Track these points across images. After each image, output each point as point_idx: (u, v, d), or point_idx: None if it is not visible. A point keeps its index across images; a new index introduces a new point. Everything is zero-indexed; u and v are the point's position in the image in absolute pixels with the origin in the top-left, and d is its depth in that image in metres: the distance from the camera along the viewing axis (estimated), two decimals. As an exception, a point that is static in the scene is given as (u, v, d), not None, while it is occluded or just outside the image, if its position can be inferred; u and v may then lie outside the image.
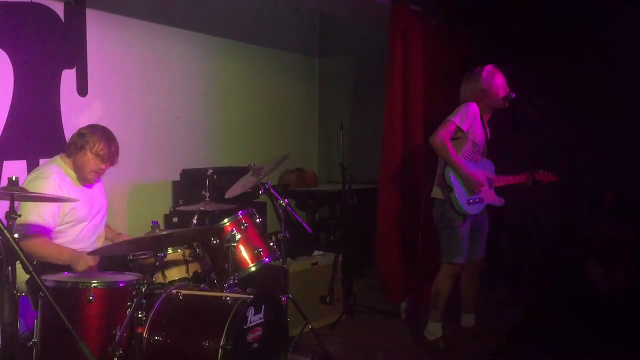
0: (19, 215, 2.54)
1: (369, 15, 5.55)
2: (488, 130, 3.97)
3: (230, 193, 3.76)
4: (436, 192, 3.90)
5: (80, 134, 3.25)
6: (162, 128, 5.18)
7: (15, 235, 2.34)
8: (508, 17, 5.33)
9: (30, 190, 2.78)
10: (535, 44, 5.32)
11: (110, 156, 3.22)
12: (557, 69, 5.23)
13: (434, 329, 3.95)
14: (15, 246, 1.51)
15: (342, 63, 6.95)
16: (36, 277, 1.56)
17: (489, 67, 3.93)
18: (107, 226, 3.55)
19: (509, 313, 4.60)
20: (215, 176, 4.04)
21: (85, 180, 3.26)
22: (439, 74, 5.22)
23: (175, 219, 4.84)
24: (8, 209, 2.46)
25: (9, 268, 1.66)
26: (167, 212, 4.98)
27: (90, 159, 3.19)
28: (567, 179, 4.51)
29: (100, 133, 3.24)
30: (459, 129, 3.76)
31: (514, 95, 3.90)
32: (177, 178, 5.12)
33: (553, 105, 4.44)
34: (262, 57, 6.19)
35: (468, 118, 3.77)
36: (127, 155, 3.58)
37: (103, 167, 3.23)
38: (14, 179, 2.59)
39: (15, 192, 2.49)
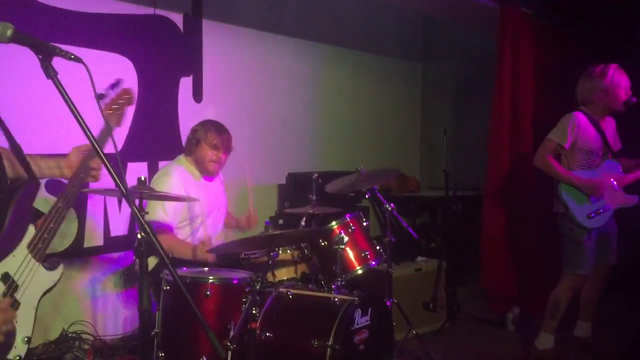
0: (147, 213, 2.73)
1: (476, 18, 5.46)
2: (607, 131, 3.78)
3: (331, 188, 3.82)
4: (557, 206, 3.79)
5: (193, 130, 3.51)
6: (269, 132, 5.36)
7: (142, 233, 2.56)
8: (623, 17, 5.07)
9: (156, 188, 2.98)
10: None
11: (224, 143, 3.43)
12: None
13: (545, 340, 3.81)
14: (155, 241, 1.63)
15: (446, 67, 6.88)
16: (172, 271, 1.68)
17: (614, 66, 3.73)
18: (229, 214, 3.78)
19: (626, 327, 4.35)
20: (320, 180, 4.13)
21: (207, 172, 3.48)
22: (550, 78, 5.04)
23: (280, 221, 4.98)
24: (137, 206, 2.65)
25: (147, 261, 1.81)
26: (273, 214, 5.14)
27: (207, 150, 3.41)
28: None
29: (209, 125, 3.48)
30: (560, 146, 3.66)
31: (635, 100, 3.69)
32: (283, 181, 5.27)
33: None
34: (365, 63, 6.25)
35: (569, 132, 3.66)
36: (236, 158, 3.75)
37: (220, 155, 3.43)
38: (142, 179, 2.79)
39: (144, 191, 2.68)
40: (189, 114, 4.62)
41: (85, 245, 3.99)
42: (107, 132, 2.24)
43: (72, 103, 1.63)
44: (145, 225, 1.67)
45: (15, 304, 2.04)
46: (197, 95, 4.72)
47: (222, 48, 4.86)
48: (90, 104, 1.79)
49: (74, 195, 2.17)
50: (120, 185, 1.66)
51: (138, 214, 1.67)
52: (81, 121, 1.64)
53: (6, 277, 2.02)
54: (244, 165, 3.61)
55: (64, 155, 2.42)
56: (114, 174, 1.64)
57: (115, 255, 4.18)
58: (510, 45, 4.81)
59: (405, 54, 6.84)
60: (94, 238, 4.05)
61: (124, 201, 4.24)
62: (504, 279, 4.86)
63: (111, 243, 4.11)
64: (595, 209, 3.65)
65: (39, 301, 2.11)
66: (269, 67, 5.34)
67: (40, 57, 1.63)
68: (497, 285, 4.86)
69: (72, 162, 2.33)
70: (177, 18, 4.52)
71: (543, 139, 3.79)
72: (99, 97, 2.11)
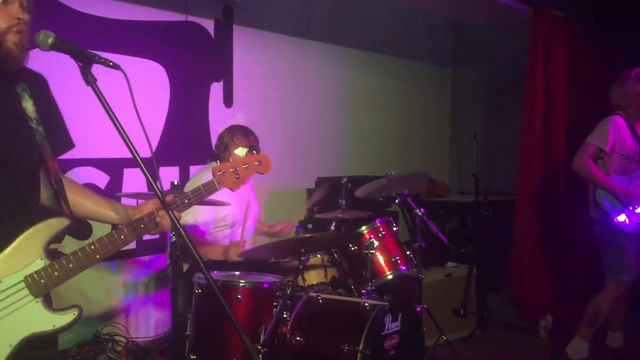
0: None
1: (507, 22, 5.41)
2: None
3: (361, 192, 3.82)
4: (594, 212, 3.73)
5: (220, 136, 3.54)
6: (298, 137, 5.37)
7: (174, 236, 2.59)
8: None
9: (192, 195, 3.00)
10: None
11: (251, 145, 3.44)
12: None
13: (580, 348, 3.74)
14: (191, 245, 1.65)
15: (476, 71, 6.82)
16: (207, 275, 1.69)
17: None
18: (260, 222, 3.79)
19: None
20: (349, 184, 4.12)
21: None
22: (584, 82, 4.97)
23: (310, 225, 4.99)
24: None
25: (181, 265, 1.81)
26: (302, 218, 5.15)
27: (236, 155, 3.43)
28: None
29: (235, 129, 3.52)
30: (600, 149, 3.60)
31: None
32: (312, 185, 5.28)
33: None
34: (394, 67, 6.23)
35: (610, 135, 3.61)
36: (266, 163, 3.77)
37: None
38: (175, 183, 2.83)
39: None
40: (220, 119, 4.67)
41: (118, 248, 4.05)
42: (211, 189, 2.02)
43: (111, 109, 1.66)
44: (182, 230, 1.68)
45: None
46: (228, 100, 4.76)
47: (252, 53, 4.90)
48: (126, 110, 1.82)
49: (116, 248, 1.78)
50: (157, 190, 1.69)
51: (175, 219, 1.69)
52: (119, 126, 1.67)
53: None
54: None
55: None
56: (151, 179, 1.67)
57: (147, 258, 4.24)
58: (542, 48, 4.76)
59: (434, 58, 6.81)
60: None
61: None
62: (536, 286, 4.79)
63: (143, 246, 4.16)
64: (634, 214, 3.60)
65: (20, 341, 1.61)
66: (299, 72, 5.36)
67: (80, 64, 1.66)
68: (529, 292, 4.80)
69: (143, 210, 1.91)
70: (209, 24, 4.58)
71: (577, 143, 3.74)
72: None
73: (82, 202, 1.90)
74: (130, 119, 1.72)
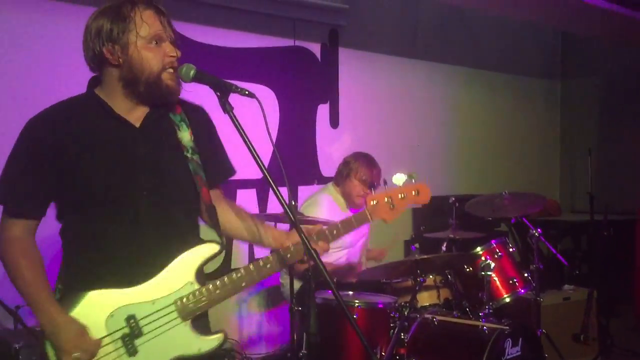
0: (298, 238, 2.82)
1: (623, 32, 5.14)
2: None
3: (473, 208, 3.73)
4: None
5: (345, 162, 3.54)
6: (403, 156, 5.35)
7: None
8: None
9: (305, 215, 3.08)
10: None
11: (373, 180, 3.44)
12: None
13: None
14: (321, 265, 1.69)
15: (588, 84, 6.51)
16: (337, 294, 1.72)
17: None
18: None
19: None
20: (457, 204, 4.05)
21: (354, 205, 3.53)
22: None
23: (417, 245, 4.93)
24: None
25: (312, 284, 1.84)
26: (408, 237, 5.11)
27: (356, 185, 3.45)
28: None
29: (362, 159, 3.49)
30: None
31: None
32: (418, 205, 5.22)
33: None
34: (500, 83, 6.09)
35: None
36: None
37: (368, 191, 3.46)
38: (292, 204, 2.90)
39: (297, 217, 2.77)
40: (326, 140, 4.76)
41: (232, 266, 4.20)
42: (362, 220, 1.92)
43: (247, 136, 1.73)
44: (312, 251, 1.72)
45: (132, 351, 1.67)
46: (334, 121, 4.84)
47: (356, 74, 4.96)
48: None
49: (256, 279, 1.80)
50: (290, 214, 1.75)
51: (307, 241, 1.73)
52: (254, 152, 1.75)
53: (131, 319, 1.67)
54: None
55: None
56: (285, 206, 1.73)
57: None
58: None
59: (543, 72, 6.59)
60: (240, 259, 4.25)
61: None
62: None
63: (255, 265, 4.29)
64: None
65: None
66: (403, 91, 5.36)
67: (218, 94, 1.74)
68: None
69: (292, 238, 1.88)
70: (315, 47, 4.69)
71: None
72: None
73: (240, 225, 1.93)
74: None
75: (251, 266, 1.80)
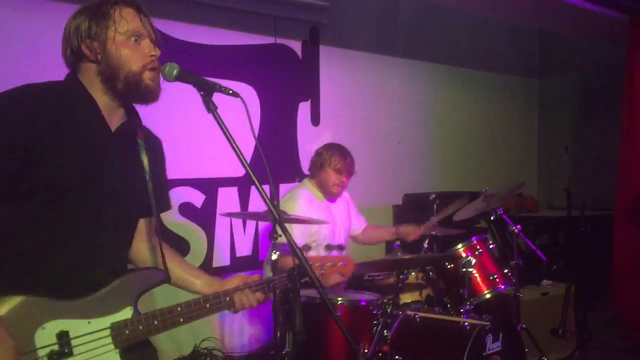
0: (280, 236, 2.82)
1: (600, 30, 5.22)
2: None
3: (460, 216, 3.77)
4: None
5: (318, 153, 3.58)
6: (384, 154, 5.38)
7: (276, 254, 2.66)
8: None
9: (284, 210, 3.08)
10: None
11: (347, 168, 3.49)
12: None
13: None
14: (307, 265, 1.69)
15: (565, 82, 6.60)
16: (322, 293, 1.72)
17: None
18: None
19: None
20: (437, 201, 4.08)
21: (331, 194, 3.56)
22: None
23: (398, 242, 4.96)
24: (271, 230, 2.76)
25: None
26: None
27: (330, 174, 3.49)
28: None
29: (334, 149, 3.55)
30: None
31: None
32: (399, 202, 5.26)
33: None
34: (478, 81, 6.14)
35: None
36: (352, 180, 3.79)
37: (343, 179, 3.50)
38: (275, 203, 2.89)
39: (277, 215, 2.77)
40: (307, 137, 4.75)
41: (214, 265, 4.18)
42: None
43: (230, 135, 1.73)
44: (297, 250, 1.73)
45: None
46: (315, 119, 4.84)
47: (337, 72, 4.96)
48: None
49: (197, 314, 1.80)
50: (275, 213, 1.75)
51: (291, 239, 1.73)
52: (238, 151, 1.75)
53: (63, 336, 1.53)
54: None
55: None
56: (270, 204, 1.73)
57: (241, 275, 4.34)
58: (640, 57, 4.57)
59: (520, 70, 6.66)
60: (221, 258, 4.24)
61: (247, 222, 4.44)
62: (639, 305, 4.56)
63: (237, 263, 4.28)
64: None
65: None
66: (383, 89, 5.38)
67: (201, 93, 1.73)
68: (632, 311, 4.56)
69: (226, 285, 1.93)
70: (296, 45, 4.68)
71: None
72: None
73: (171, 267, 1.84)
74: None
75: (192, 304, 1.78)
